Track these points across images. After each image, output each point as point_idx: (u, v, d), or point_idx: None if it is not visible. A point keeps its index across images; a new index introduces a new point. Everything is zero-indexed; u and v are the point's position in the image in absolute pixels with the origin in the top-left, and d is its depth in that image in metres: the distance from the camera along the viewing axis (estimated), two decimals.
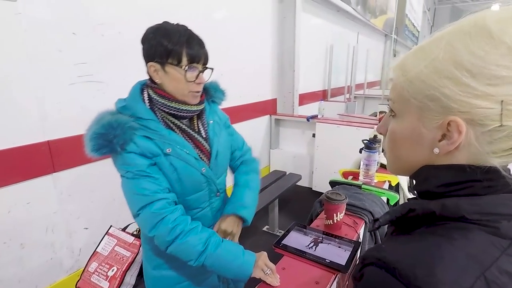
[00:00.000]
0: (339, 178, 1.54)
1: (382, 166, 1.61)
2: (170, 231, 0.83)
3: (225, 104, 1.28)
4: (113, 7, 1.86)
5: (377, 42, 8.91)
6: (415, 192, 0.44)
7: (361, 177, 1.43)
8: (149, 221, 0.83)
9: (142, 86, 0.92)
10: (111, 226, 1.38)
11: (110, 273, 1.22)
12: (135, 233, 1.40)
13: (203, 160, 0.94)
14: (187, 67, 0.85)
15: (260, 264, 0.84)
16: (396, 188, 1.59)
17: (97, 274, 1.23)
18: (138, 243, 1.28)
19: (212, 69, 0.93)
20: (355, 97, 6.11)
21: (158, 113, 0.89)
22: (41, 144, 1.62)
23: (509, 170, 0.38)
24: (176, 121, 0.91)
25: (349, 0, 5.18)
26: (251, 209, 1.07)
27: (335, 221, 1.04)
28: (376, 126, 1.45)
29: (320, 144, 3.43)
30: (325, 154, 3.40)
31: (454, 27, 0.37)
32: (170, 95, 0.88)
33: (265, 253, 0.88)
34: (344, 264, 0.86)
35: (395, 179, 1.51)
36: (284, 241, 0.97)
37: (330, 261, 0.87)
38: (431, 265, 0.32)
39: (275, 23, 3.57)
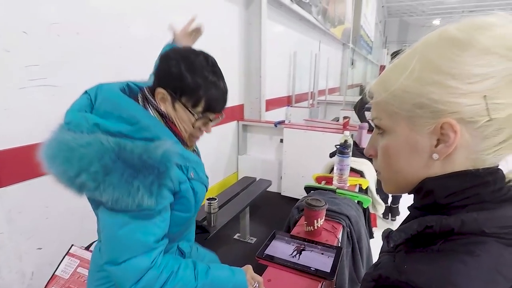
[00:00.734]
0: (312, 183, 1.56)
1: (352, 170, 1.66)
2: (157, 278, 0.67)
3: None
4: (69, 5, 1.71)
5: (336, 50, 9.37)
6: (416, 207, 0.43)
7: (335, 182, 1.46)
8: (136, 273, 0.65)
9: (133, 97, 0.74)
10: (72, 245, 1.25)
11: None
12: None
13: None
14: (200, 114, 0.75)
15: (248, 278, 0.80)
16: (366, 191, 1.65)
17: None
18: None
19: (221, 117, 0.82)
20: (318, 102, 6.32)
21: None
22: None
23: (502, 172, 0.39)
24: None
25: (310, 10, 5.37)
26: None
27: (316, 227, 1.04)
28: (344, 132, 1.50)
29: (288, 149, 3.48)
30: (293, 159, 3.45)
31: (421, 43, 0.40)
32: (177, 129, 0.76)
33: (250, 267, 0.85)
34: (329, 272, 0.86)
35: (365, 182, 1.57)
36: (267, 251, 0.95)
37: (315, 269, 0.86)
38: (459, 285, 0.31)
39: (241, 29, 3.58)
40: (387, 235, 0.43)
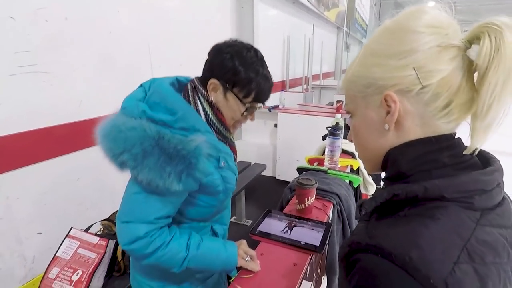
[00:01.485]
0: (305, 164, 1.60)
1: (344, 151, 1.70)
2: (149, 244, 0.73)
3: None
4: None
5: (331, 34, 9.27)
6: (386, 177, 0.47)
7: (326, 163, 1.50)
8: (131, 236, 0.73)
9: (183, 90, 0.83)
10: (71, 227, 1.29)
11: (75, 277, 1.14)
12: (99, 233, 1.32)
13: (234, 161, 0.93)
14: (249, 104, 0.82)
15: (241, 253, 0.84)
16: (357, 172, 1.70)
17: (60, 279, 1.15)
18: (104, 243, 1.21)
19: (263, 105, 0.89)
20: (312, 87, 6.31)
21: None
22: None
23: (460, 140, 0.44)
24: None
25: None
26: None
27: (307, 205, 1.09)
28: (335, 115, 1.53)
29: (282, 134, 3.51)
30: (287, 143, 3.49)
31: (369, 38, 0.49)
32: (223, 118, 0.83)
33: (244, 241, 0.89)
34: (318, 245, 0.90)
35: (356, 163, 1.61)
36: (260, 228, 0.99)
37: (305, 243, 0.91)
38: (422, 246, 0.35)
39: (233, 13, 3.53)
40: (361, 204, 0.47)
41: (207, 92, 0.81)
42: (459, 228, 0.36)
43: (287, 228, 0.99)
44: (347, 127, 2.08)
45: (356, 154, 1.68)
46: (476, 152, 0.42)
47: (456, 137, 0.44)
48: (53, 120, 1.71)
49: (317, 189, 1.18)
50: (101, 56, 1.94)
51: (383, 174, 0.49)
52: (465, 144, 0.43)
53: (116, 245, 1.27)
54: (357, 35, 11.74)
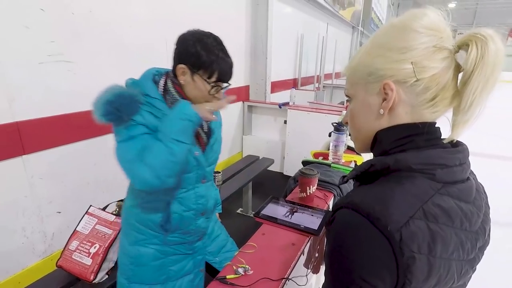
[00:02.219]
0: (311, 158, 1.67)
1: (349, 148, 1.76)
2: (147, 168, 0.88)
3: None
4: None
5: (345, 33, 9.21)
6: (375, 155, 0.54)
7: (330, 157, 1.56)
8: (129, 174, 0.89)
9: (158, 73, 0.98)
10: (90, 205, 1.40)
11: (93, 250, 1.25)
12: (114, 212, 1.43)
13: (197, 146, 1.02)
14: (213, 83, 0.94)
15: (201, 106, 0.93)
16: None
17: (79, 251, 1.26)
18: (119, 221, 1.31)
19: (230, 84, 1.01)
20: (324, 86, 6.33)
21: (167, 101, 0.96)
22: (9, 125, 1.55)
23: (439, 129, 0.51)
24: None
25: None
26: None
27: (308, 194, 1.16)
28: (342, 111, 1.58)
29: (291, 130, 3.57)
30: (296, 139, 3.55)
31: (376, 31, 0.54)
32: (184, 94, 0.96)
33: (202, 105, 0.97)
34: (316, 229, 0.98)
35: (360, 159, 1.66)
36: (264, 212, 1.07)
37: (304, 226, 0.98)
38: (385, 202, 0.43)
39: (248, 10, 3.60)
40: (344, 175, 0.56)
41: (175, 76, 0.95)
42: (420, 192, 0.44)
43: (288, 213, 1.07)
44: None
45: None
46: (453, 141, 0.49)
47: (436, 126, 0.51)
48: (75, 107, 1.83)
49: (319, 181, 1.25)
50: (121, 47, 2.05)
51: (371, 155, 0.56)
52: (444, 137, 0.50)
53: None
54: (372, 35, 11.61)
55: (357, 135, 0.57)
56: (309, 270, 1.00)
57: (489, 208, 0.54)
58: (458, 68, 0.47)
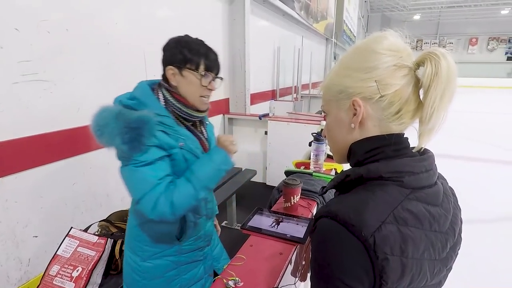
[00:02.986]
0: (293, 168, 1.71)
1: (329, 156, 1.82)
2: (164, 202, 0.89)
3: None
4: (57, 2, 1.78)
5: (319, 45, 9.55)
6: (351, 165, 0.59)
7: (311, 166, 1.61)
8: (150, 203, 0.89)
9: (153, 86, 1.01)
10: (71, 227, 1.35)
11: (75, 274, 1.21)
12: (97, 233, 1.39)
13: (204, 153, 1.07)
14: (203, 72, 0.97)
15: (226, 144, 1.00)
16: None
17: (60, 276, 1.21)
18: (103, 241, 1.28)
19: (222, 78, 1.06)
20: (301, 96, 6.49)
21: (171, 113, 0.99)
22: None
23: (407, 139, 0.56)
24: (186, 122, 1.04)
25: (293, 5, 5.50)
26: None
27: (293, 203, 1.19)
28: (321, 122, 1.65)
29: (272, 141, 3.63)
30: (277, 150, 3.61)
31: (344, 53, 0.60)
32: (184, 100, 0.99)
33: (219, 135, 1.05)
34: (302, 237, 1.01)
35: (340, 166, 1.73)
36: (250, 223, 1.09)
37: (291, 235, 1.01)
38: (360, 210, 0.47)
39: (225, 25, 3.67)
40: (324, 186, 0.61)
41: (167, 81, 0.98)
42: (390, 199, 0.48)
43: (274, 223, 1.09)
44: None
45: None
46: (422, 150, 0.54)
47: (404, 136, 0.56)
48: (51, 126, 1.78)
49: (302, 190, 1.29)
50: (99, 65, 2.03)
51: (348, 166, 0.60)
52: (412, 145, 0.56)
53: (114, 244, 1.35)
54: (345, 46, 12.10)
55: (334, 147, 0.61)
56: (297, 279, 1.02)
57: (459, 210, 0.59)
58: (418, 84, 0.52)
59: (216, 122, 3.75)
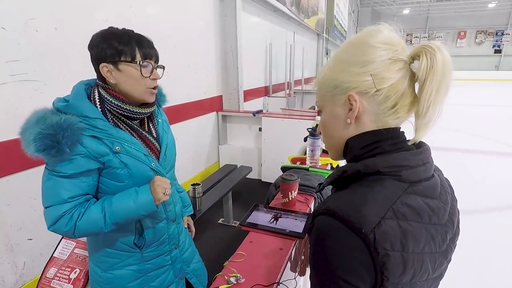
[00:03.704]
0: (289, 164, 1.72)
1: (324, 151, 1.83)
2: (68, 220, 0.85)
3: (172, 102, 1.31)
4: (44, 1, 1.74)
5: (311, 41, 9.56)
6: (347, 162, 0.58)
7: (307, 162, 1.62)
8: (53, 217, 0.85)
9: (87, 86, 0.93)
10: None
11: (73, 276, 1.19)
12: None
13: (152, 156, 0.97)
14: (141, 62, 0.88)
15: (157, 189, 0.91)
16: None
17: (58, 278, 1.20)
18: None
19: (163, 67, 0.96)
20: (294, 92, 6.50)
21: (108, 113, 0.90)
22: None
23: (403, 133, 0.55)
24: (128, 121, 0.94)
25: (284, 1, 5.49)
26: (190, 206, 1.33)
27: (290, 199, 1.20)
28: (316, 117, 1.66)
29: (266, 137, 3.63)
30: (272, 146, 3.62)
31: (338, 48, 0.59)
32: (123, 97, 0.90)
33: (157, 177, 0.95)
34: (301, 232, 1.01)
35: (335, 161, 1.74)
36: (249, 220, 1.09)
37: (290, 230, 1.02)
38: (358, 206, 0.46)
39: (217, 22, 3.64)
40: (320, 182, 0.60)
41: (103, 80, 0.90)
42: (389, 194, 0.48)
43: (273, 219, 1.10)
44: None
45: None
46: (416, 142, 0.54)
47: (400, 130, 0.56)
48: None
49: (299, 185, 1.29)
50: (88, 63, 2.00)
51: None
52: (409, 138, 0.55)
53: None
54: (336, 41, 12.14)
55: (330, 143, 0.61)
56: (297, 273, 1.03)
57: (456, 201, 0.59)
58: (413, 77, 0.52)
59: (209, 119, 3.74)
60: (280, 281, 0.83)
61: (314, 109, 5.27)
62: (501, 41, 19.33)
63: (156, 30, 2.65)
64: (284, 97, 5.57)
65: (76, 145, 0.82)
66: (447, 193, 0.56)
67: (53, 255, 1.27)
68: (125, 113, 0.91)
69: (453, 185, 0.62)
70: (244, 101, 4.16)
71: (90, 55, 0.89)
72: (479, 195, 3.46)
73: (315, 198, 1.32)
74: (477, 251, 2.42)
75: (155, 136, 1.02)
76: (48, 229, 0.86)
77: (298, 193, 1.26)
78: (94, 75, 0.93)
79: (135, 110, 0.92)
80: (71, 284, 1.18)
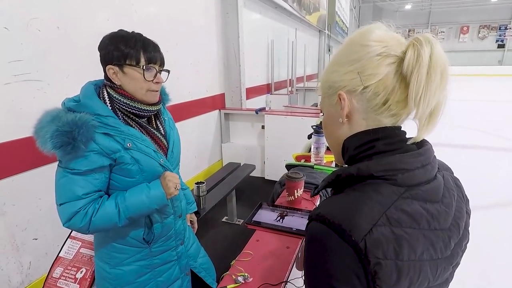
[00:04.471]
0: (293, 161, 1.71)
1: (329, 149, 1.82)
2: (84, 216, 0.87)
3: (175, 101, 1.31)
4: (46, 0, 1.73)
5: (313, 37, 9.51)
6: (345, 162, 0.57)
7: (312, 159, 1.61)
8: (68, 214, 0.87)
9: (96, 86, 0.96)
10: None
11: (79, 275, 1.19)
12: None
13: (160, 153, 1.01)
14: (144, 66, 0.92)
15: (168, 184, 0.95)
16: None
17: (64, 278, 1.20)
18: None
19: (168, 71, 1.00)
20: (296, 89, 6.48)
21: (118, 112, 0.94)
22: None
23: (402, 132, 0.53)
24: (136, 119, 0.97)
25: None
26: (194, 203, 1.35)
27: (296, 197, 1.19)
28: (320, 114, 1.64)
29: (269, 135, 3.62)
30: (275, 144, 3.60)
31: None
32: (131, 95, 0.94)
33: (167, 172, 0.99)
34: None
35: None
36: (255, 218, 1.09)
37: (296, 229, 1.01)
38: (350, 213, 0.44)
39: (218, 19, 3.63)
40: (316, 186, 0.58)
41: (110, 81, 0.93)
42: (383, 199, 0.46)
43: (279, 218, 1.09)
44: None
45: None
46: (418, 141, 0.51)
47: (400, 129, 0.53)
48: None
49: (305, 183, 1.28)
50: (92, 62, 1.99)
51: None
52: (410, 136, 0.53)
53: None
54: (338, 37, 12.07)
55: (331, 144, 0.60)
56: (304, 271, 1.02)
57: (465, 201, 0.56)
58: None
59: (212, 118, 3.73)
60: (288, 280, 0.82)
61: (317, 106, 5.25)
62: (504, 36, 19.13)
63: (158, 29, 2.64)
64: (286, 94, 5.55)
65: (90, 142, 0.85)
66: (451, 195, 0.53)
67: (59, 254, 1.27)
68: (134, 110, 0.94)
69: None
70: (247, 99, 4.15)
71: (99, 55, 0.93)
72: (483, 191, 3.44)
73: (320, 195, 1.31)
74: (482, 247, 2.41)
75: (162, 133, 1.05)
76: (63, 225, 0.89)
77: (303, 191, 1.25)
78: (96, 74, 0.95)
79: (143, 108, 0.96)
80: (77, 283, 1.18)
